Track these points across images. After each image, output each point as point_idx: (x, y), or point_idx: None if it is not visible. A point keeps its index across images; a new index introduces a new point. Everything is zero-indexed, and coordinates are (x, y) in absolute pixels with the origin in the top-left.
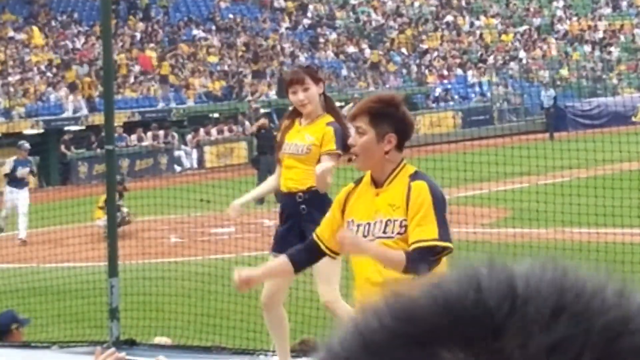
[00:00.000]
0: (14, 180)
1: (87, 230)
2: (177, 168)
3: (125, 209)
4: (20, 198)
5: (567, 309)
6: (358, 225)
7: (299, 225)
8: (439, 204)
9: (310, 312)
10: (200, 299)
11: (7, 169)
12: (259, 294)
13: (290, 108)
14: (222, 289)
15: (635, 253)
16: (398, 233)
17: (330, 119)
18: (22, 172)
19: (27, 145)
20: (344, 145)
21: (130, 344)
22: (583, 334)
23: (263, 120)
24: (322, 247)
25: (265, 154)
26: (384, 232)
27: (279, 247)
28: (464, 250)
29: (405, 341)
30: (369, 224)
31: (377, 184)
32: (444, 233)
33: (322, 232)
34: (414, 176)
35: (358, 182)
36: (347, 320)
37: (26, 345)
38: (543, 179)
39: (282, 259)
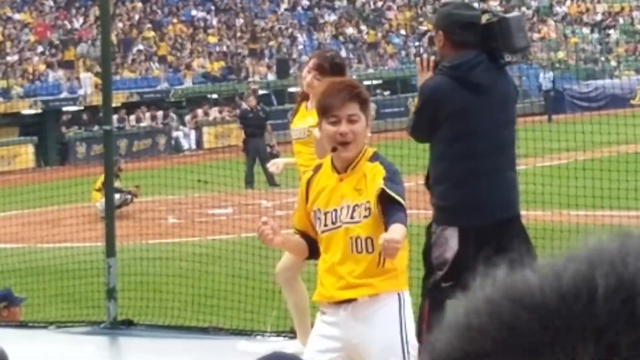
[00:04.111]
0: None
1: (85, 210)
2: (185, 145)
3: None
4: None
5: None
6: (325, 214)
7: None
8: (393, 176)
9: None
10: (198, 280)
11: None
12: (256, 275)
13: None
14: (219, 270)
15: None
16: (364, 216)
17: None
18: None
19: None
20: None
21: (127, 324)
22: None
23: (252, 101)
24: (313, 241)
25: (254, 137)
26: (352, 217)
27: None
28: None
29: (507, 351)
30: (335, 210)
31: (339, 169)
32: (404, 199)
33: (306, 227)
34: (372, 159)
35: (316, 169)
36: (450, 321)
37: (23, 325)
38: (541, 161)
39: (303, 241)
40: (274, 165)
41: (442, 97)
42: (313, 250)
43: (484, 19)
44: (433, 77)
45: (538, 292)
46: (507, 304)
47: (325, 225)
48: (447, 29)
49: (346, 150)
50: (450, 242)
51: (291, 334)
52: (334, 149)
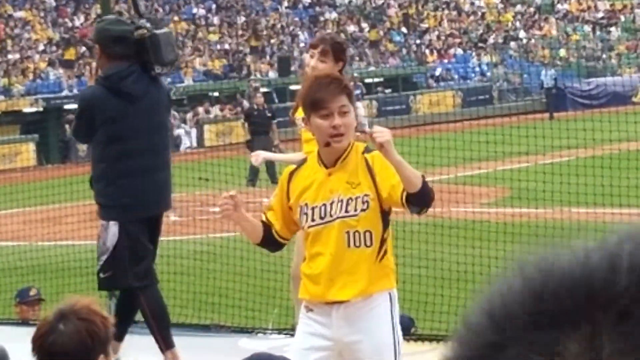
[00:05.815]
0: None
1: (87, 208)
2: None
3: None
4: None
5: None
6: (313, 209)
7: None
8: None
9: None
10: (199, 278)
11: None
12: (257, 272)
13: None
14: (221, 268)
15: None
16: (362, 210)
17: None
18: None
19: None
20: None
21: None
22: None
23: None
24: (274, 232)
25: (258, 135)
26: (346, 211)
27: None
28: (463, 230)
29: (534, 315)
30: (324, 205)
31: (326, 164)
32: None
33: (274, 220)
34: (367, 150)
35: (300, 163)
36: (487, 289)
37: (24, 323)
38: (543, 158)
39: (260, 225)
40: (254, 157)
41: (95, 105)
42: (268, 240)
43: (137, 34)
44: (90, 86)
45: (567, 264)
46: (538, 274)
47: (313, 220)
48: (102, 42)
49: (339, 142)
50: (111, 233)
51: (293, 331)
52: (327, 144)
